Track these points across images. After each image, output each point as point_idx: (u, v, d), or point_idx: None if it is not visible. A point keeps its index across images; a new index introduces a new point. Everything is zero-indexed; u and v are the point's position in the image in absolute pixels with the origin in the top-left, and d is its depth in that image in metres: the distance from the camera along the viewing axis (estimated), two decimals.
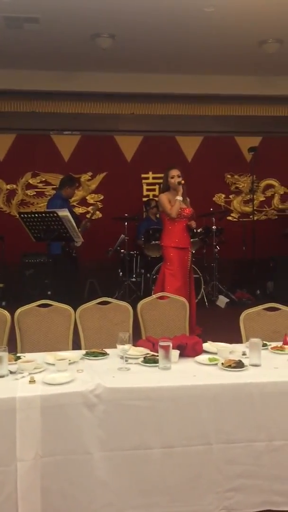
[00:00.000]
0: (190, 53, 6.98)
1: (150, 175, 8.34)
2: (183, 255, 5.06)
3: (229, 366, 2.45)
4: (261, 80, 7.95)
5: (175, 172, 5.01)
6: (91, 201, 8.20)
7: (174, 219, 4.97)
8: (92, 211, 7.30)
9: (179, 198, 4.93)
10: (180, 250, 5.04)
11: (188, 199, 5.14)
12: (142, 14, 5.74)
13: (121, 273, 7.48)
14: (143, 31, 6.21)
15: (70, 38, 6.42)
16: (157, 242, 6.64)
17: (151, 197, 8.25)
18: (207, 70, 7.61)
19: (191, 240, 5.44)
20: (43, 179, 8.07)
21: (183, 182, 4.96)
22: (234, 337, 3.17)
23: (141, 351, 2.72)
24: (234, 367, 2.44)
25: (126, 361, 2.54)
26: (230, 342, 2.92)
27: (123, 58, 7.08)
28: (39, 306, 3.31)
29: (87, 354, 2.72)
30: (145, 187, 8.39)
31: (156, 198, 8.05)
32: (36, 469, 2.14)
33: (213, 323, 5.84)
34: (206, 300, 7.26)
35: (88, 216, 7.17)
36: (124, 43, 6.53)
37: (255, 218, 8.20)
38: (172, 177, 5.00)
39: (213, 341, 2.90)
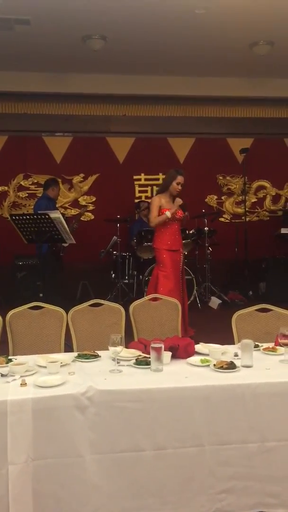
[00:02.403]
0: (182, 55, 6.99)
1: (142, 176, 8.34)
2: (175, 256, 5.08)
3: (221, 367, 2.45)
4: (253, 82, 7.98)
5: (181, 180, 5.00)
6: (83, 203, 8.19)
7: (152, 226, 5.04)
8: (81, 212, 7.28)
9: (168, 214, 4.93)
10: (172, 252, 5.06)
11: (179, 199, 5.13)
12: (133, 16, 5.75)
13: (113, 274, 7.47)
14: (134, 33, 6.22)
15: (61, 40, 6.42)
16: (149, 244, 6.64)
17: (143, 198, 8.26)
18: (199, 72, 7.63)
19: (184, 241, 5.45)
20: (35, 181, 8.05)
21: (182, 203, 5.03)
22: (227, 338, 3.17)
23: (133, 353, 2.71)
24: (226, 368, 2.44)
25: (118, 363, 2.53)
26: (223, 343, 2.92)
27: (114, 60, 7.09)
28: (31, 308, 3.30)
29: (79, 356, 2.71)
30: (137, 188, 8.40)
31: (148, 200, 8.06)
32: (28, 472, 2.13)
33: (206, 324, 5.85)
34: (198, 302, 7.27)
35: (76, 217, 7.16)
36: (116, 45, 6.54)
37: (247, 219, 8.22)
38: (178, 183, 4.99)
39: (206, 342, 2.90)
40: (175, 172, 5.05)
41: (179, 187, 4.98)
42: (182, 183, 4.99)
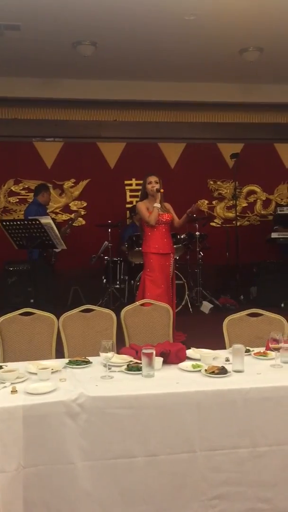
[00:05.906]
0: (172, 61, 7.02)
1: (133, 181, 8.34)
2: (164, 261, 5.01)
3: (213, 372, 2.46)
4: (242, 87, 8.03)
5: (152, 179, 5.01)
6: (74, 208, 8.18)
7: (153, 226, 4.98)
8: (74, 218, 7.29)
9: (157, 205, 4.93)
10: (161, 256, 5.00)
11: (169, 205, 5.13)
12: (123, 22, 5.76)
13: (104, 280, 7.46)
14: (124, 38, 6.24)
15: (51, 46, 6.42)
16: (140, 248, 6.65)
17: (134, 203, 8.26)
18: (189, 78, 7.67)
19: (175, 246, 5.43)
20: (26, 186, 8.02)
21: (162, 191, 4.97)
22: (218, 343, 3.18)
23: (124, 358, 2.70)
24: (218, 374, 2.44)
25: (109, 369, 2.52)
26: (214, 348, 2.93)
27: (105, 65, 7.10)
28: (21, 314, 3.28)
29: (70, 362, 2.70)
30: (128, 193, 8.40)
31: None
32: (19, 480, 2.11)
33: (197, 329, 5.85)
34: (190, 306, 7.28)
35: (69, 222, 7.15)
36: (106, 50, 6.55)
37: (238, 224, 8.25)
38: (149, 183, 5.00)
39: (198, 347, 2.90)
40: (145, 176, 5.11)
41: (154, 184, 4.97)
42: (155, 180, 4.99)
